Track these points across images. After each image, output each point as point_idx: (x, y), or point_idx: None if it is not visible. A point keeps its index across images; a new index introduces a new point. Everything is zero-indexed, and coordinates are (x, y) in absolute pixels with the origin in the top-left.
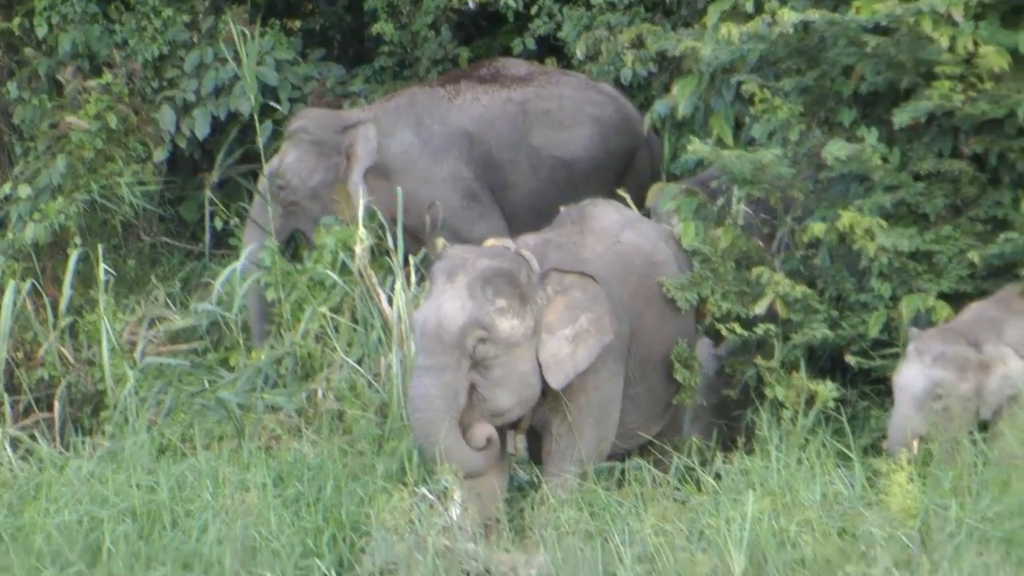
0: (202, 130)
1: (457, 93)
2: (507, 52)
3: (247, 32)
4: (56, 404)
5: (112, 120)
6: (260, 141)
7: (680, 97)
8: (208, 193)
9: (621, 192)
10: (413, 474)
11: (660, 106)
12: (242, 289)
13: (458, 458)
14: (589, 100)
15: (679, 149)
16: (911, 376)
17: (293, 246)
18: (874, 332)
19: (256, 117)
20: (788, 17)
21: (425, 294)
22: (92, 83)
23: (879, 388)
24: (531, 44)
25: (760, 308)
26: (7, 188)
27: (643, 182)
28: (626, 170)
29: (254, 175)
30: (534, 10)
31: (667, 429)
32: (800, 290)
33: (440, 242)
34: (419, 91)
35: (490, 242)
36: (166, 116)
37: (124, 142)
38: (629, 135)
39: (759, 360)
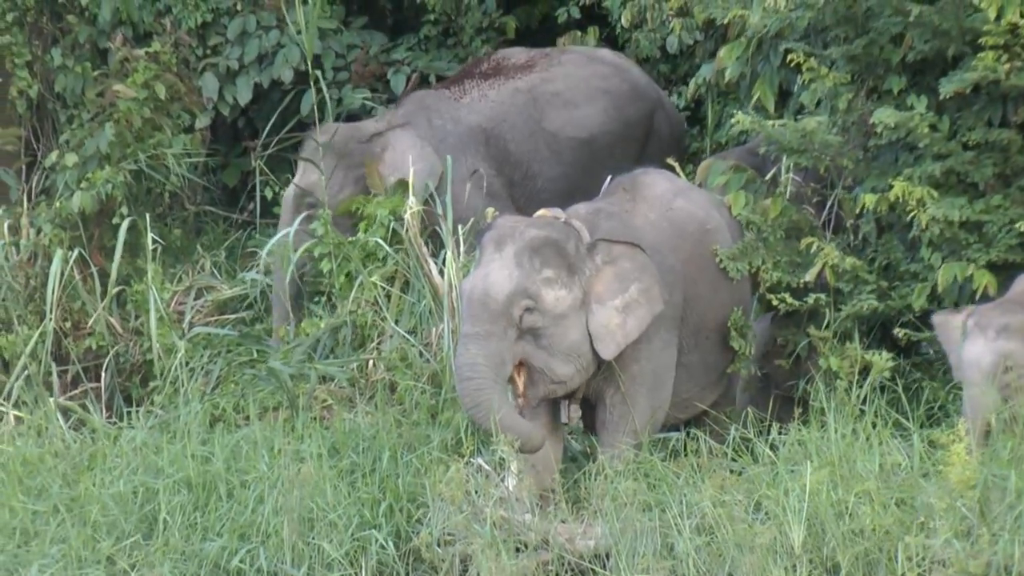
0: (244, 97)
1: (464, 92)
2: (549, 20)
3: None
4: (104, 374)
5: (161, 90)
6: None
7: (727, 61)
8: (255, 162)
9: (670, 161)
10: (469, 445)
11: (705, 70)
12: (293, 258)
13: (514, 430)
14: (595, 74)
15: (724, 116)
16: (977, 352)
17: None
18: (919, 303)
19: (314, 86)
20: None
21: (474, 263)
22: (140, 51)
23: (931, 359)
24: (576, 13)
25: (810, 276)
26: (53, 156)
27: (665, 145)
28: (647, 137)
29: (297, 144)
30: None
31: (721, 399)
32: (850, 261)
33: (490, 211)
34: (425, 95)
35: (541, 212)
36: (209, 83)
37: (169, 110)
38: (641, 102)
39: (812, 330)
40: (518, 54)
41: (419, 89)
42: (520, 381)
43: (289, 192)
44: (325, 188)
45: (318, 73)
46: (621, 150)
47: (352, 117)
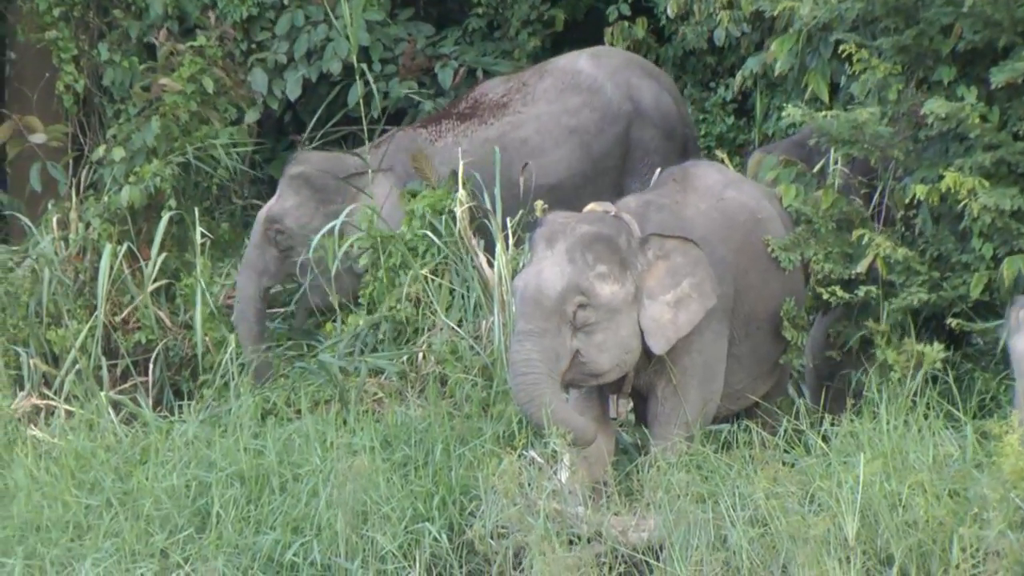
0: (294, 92)
1: (439, 135)
2: (595, 12)
3: None
4: (152, 368)
5: (209, 84)
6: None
7: (778, 55)
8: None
9: (719, 153)
10: (521, 438)
11: (752, 62)
12: (338, 253)
13: (567, 424)
14: (565, 110)
15: (772, 108)
16: None
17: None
18: (976, 293)
19: (360, 79)
20: None
21: (525, 260)
22: (185, 45)
23: (982, 350)
24: (625, 10)
25: (862, 267)
26: (100, 151)
27: (651, 149)
28: (623, 157)
29: (343, 138)
30: None
31: (773, 390)
32: (901, 252)
33: (539, 204)
34: (404, 136)
35: (591, 206)
36: (258, 78)
37: (216, 104)
38: (611, 127)
39: (870, 323)
40: (496, 88)
41: (401, 129)
42: None
43: (261, 214)
44: (296, 219)
45: (363, 67)
46: (592, 187)
47: (399, 111)
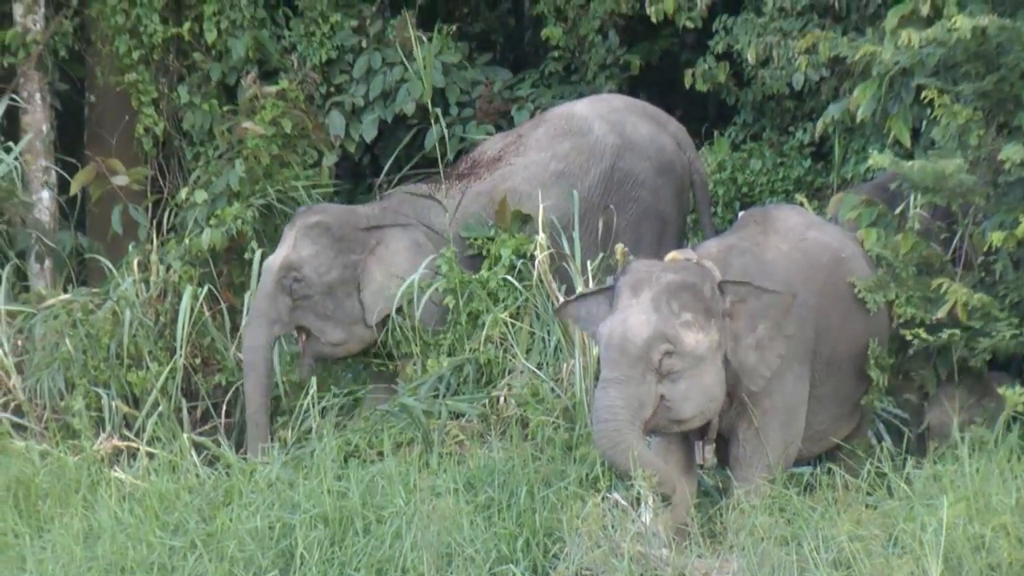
0: (369, 133)
1: (437, 190)
2: (669, 56)
3: (422, 37)
4: (236, 410)
5: (287, 125)
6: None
7: (860, 100)
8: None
9: (798, 197)
10: (605, 480)
11: (834, 108)
12: (422, 299)
13: (650, 469)
14: (554, 155)
15: (850, 151)
16: None
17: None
18: None
19: (434, 123)
20: (963, 24)
21: (611, 308)
22: (269, 89)
23: None
24: (712, 63)
25: (942, 313)
26: (183, 194)
27: (639, 181)
28: (608, 191)
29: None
30: (714, 26)
31: (855, 433)
32: (978, 298)
33: (620, 248)
34: (415, 189)
35: (672, 255)
36: (335, 121)
37: (296, 147)
38: (597, 164)
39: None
40: (495, 144)
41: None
42: None
43: (274, 262)
44: (314, 268)
45: (437, 110)
46: (581, 226)
47: None
